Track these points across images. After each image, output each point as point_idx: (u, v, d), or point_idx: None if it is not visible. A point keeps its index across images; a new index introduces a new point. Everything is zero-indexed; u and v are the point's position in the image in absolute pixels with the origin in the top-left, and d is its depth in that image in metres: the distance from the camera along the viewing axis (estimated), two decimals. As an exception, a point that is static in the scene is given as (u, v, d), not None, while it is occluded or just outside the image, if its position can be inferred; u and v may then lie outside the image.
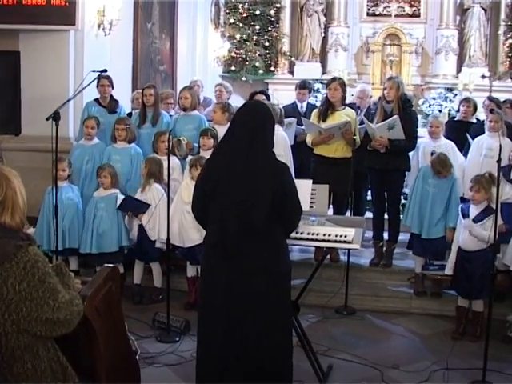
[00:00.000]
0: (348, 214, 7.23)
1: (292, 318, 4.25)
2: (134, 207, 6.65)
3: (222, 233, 3.93)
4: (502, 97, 9.13)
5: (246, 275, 3.88)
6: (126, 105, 8.37)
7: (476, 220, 5.82)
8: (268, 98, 8.42)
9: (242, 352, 3.93)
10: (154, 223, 6.56)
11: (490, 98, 8.12)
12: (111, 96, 7.79)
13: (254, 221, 3.87)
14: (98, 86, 7.57)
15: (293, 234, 4.50)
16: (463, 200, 6.36)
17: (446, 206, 6.55)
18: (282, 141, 7.07)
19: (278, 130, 7.18)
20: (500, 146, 4.95)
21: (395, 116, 6.79)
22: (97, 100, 7.78)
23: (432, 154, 6.82)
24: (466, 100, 8.18)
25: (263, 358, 3.94)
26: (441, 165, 6.52)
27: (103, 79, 7.46)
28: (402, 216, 7.14)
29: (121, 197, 6.68)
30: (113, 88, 7.76)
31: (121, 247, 6.73)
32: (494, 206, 5.32)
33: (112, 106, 7.78)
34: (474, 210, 5.86)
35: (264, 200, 3.88)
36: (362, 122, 7.33)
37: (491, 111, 6.82)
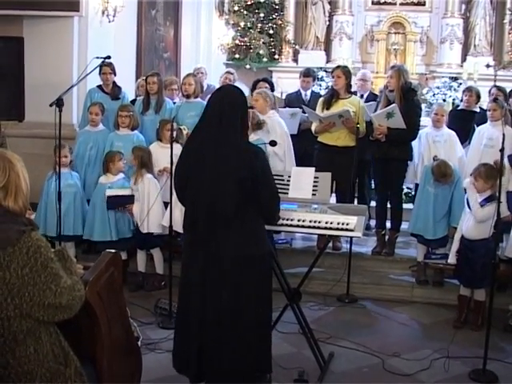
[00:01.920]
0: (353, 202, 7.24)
1: (270, 302, 4.23)
2: (120, 203, 6.66)
3: (192, 218, 4.00)
4: (506, 86, 9.10)
5: (218, 261, 3.90)
6: (129, 91, 8.38)
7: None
8: (271, 85, 8.41)
9: (217, 340, 3.96)
10: (147, 215, 6.56)
11: (498, 88, 8.09)
12: (114, 82, 7.81)
13: (223, 207, 3.88)
14: (100, 74, 7.56)
15: (295, 222, 4.51)
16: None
17: (450, 205, 6.54)
18: (278, 127, 7.06)
19: (274, 116, 7.17)
20: (503, 134, 4.92)
21: (393, 105, 6.78)
22: (100, 87, 7.80)
23: (434, 159, 6.73)
24: (469, 89, 8.14)
25: (238, 346, 3.97)
26: (441, 175, 6.47)
27: (105, 67, 7.45)
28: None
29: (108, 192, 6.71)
30: (115, 75, 7.77)
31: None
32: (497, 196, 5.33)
33: (115, 92, 7.79)
34: (477, 198, 5.84)
35: (232, 186, 3.87)
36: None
37: (494, 100, 6.80)
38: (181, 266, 4.21)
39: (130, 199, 6.61)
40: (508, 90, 8.03)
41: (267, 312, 4.19)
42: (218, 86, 9.18)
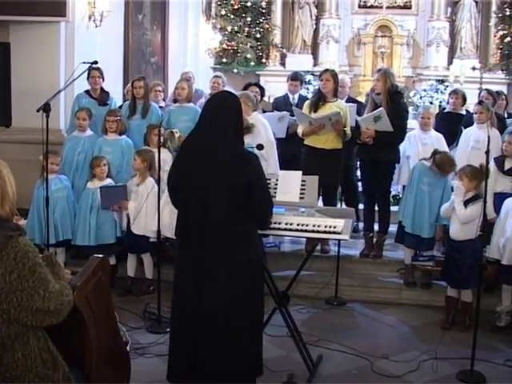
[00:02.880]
0: (339, 205, 7.25)
1: (262, 306, 4.25)
2: (113, 196, 6.65)
3: (185, 222, 4.02)
4: (492, 89, 9.16)
5: (211, 266, 3.92)
6: (117, 97, 8.37)
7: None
8: (262, 89, 8.43)
9: (210, 342, 3.97)
10: (141, 217, 6.56)
11: (488, 91, 8.14)
12: (101, 88, 7.80)
13: (215, 213, 3.89)
14: (88, 78, 7.56)
15: (282, 225, 4.52)
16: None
17: (441, 203, 6.55)
18: (262, 127, 7.04)
19: (257, 117, 7.15)
20: (488, 137, 4.96)
21: (381, 108, 6.81)
22: (87, 92, 7.79)
23: (433, 155, 6.73)
24: (455, 92, 8.19)
25: (230, 348, 3.99)
26: (449, 164, 6.46)
27: (94, 70, 7.46)
28: (398, 210, 7.11)
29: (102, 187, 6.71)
30: (103, 80, 7.76)
31: (117, 238, 6.78)
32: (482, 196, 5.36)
33: (103, 97, 7.79)
34: (461, 201, 5.88)
35: (223, 190, 3.88)
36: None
37: (480, 103, 6.85)
38: (174, 270, 4.21)
39: (123, 191, 6.62)
40: (495, 92, 8.11)
41: (259, 315, 4.21)
42: (206, 91, 9.23)
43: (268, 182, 4.87)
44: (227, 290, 3.94)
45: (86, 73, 6.98)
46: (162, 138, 6.22)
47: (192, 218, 3.97)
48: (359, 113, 7.32)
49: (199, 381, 4.06)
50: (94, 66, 6.66)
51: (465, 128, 7.32)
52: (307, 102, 7.41)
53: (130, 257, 6.80)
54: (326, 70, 7.42)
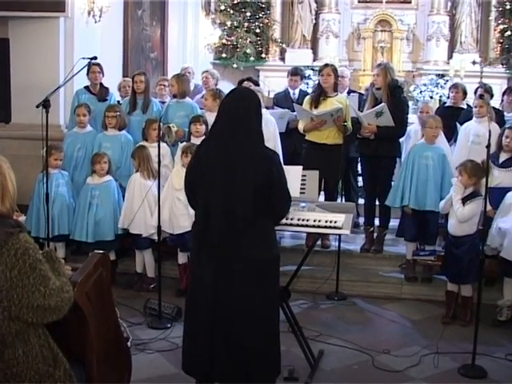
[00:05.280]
0: (339, 200, 7.24)
1: (279, 304, 4.25)
2: None
3: (206, 221, 3.95)
4: (492, 83, 9.17)
5: (232, 264, 3.88)
6: (116, 93, 8.36)
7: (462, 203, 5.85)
8: (256, 85, 8.40)
9: (228, 341, 3.94)
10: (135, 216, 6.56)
11: (484, 86, 8.14)
12: (101, 84, 7.79)
13: (238, 210, 3.86)
14: (88, 73, 7.55)
15: (283, 220, 4.52)
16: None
17: (443, 176, 6.55)
18: (269, 125, 7.08)
19: (266, 114, 7.19)
20: (489, 131, 4.95)
21: (383, 104, 6.80)
22: (87, 87, 7.78)
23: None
24: (455, 86, 8.18)
25: (249, 348, 3.94)
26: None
27: (94, 66, 7.44)
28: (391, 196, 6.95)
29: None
30: (103, 75, 7.75)
31: (116, 235, 6.75)
32: (481, 192, 5.35)
33: (102, 93, 7.78)
34: (459, 199, 5.87)
35: (248, 189, 3.86)
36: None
37: (480, 97, 6.84)
38: (190, 269, 4.18)
39: None
40: (495, 88, 8.11)
41: (275, 314, 4.19)
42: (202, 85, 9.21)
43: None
44: (246, 288, 3.91)
45: (86, 68, 6.95)
46: (161, 133, 6.22)
47: (214, 218, 3.92)
48: (360, 105, 7.31)
49: (217, 381, 4.04)
50: (93, 61, 6.64)
51: (460, 123, 7.30)
52: (307, 98, 7.39)
53: (137, 252, 6.79)
54: (327, 65, 7.41)
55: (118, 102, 7.96)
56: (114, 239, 6.73)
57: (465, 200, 5.81)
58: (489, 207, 6.04)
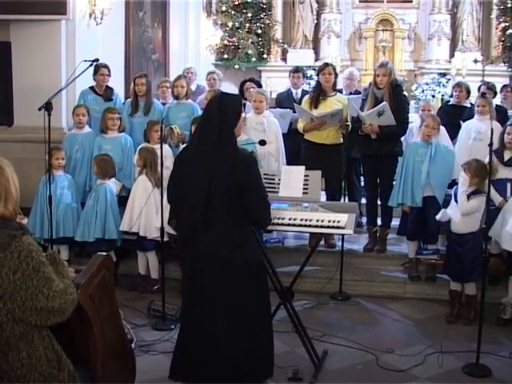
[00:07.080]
0: (342, 200, 7.24)
1: (267, 308, 4.27)
2: None
3: (182, 224, 4.07)
4: (494, 81, 9.15)
5: (205, 264, 3.96)
6: (121, 93, 8.39)
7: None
8: (258, 85, 8.41)
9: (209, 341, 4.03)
10: (136, 217, 6.56)
11: (487, 85, 8.15)
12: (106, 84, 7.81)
13: (211, 214, 3.91)
14: (95, 75, 7.58)
15: (286, 221, 4.52)
16: (454, 184, 6.38)
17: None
18: (273, 127, 7.11)
19: (270, 116, 7.23)
20: (492, 129, 4.95)
21: (384, 103, 6.79)
22: (92, 88, 7.79)
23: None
24: (458, 85, 8.17)
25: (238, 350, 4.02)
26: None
27: (103, 68, 7.52)
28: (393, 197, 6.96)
29: None
30: (110, 77, 7.78)
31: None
32: (485, 191, 5.35)
33: (108, 93, 7.82)
34: (465, 192, 5.88)
35: (221, 193, 3.91)
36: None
37: (482, 95, 6.83)
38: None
39: None
40: (497, 86, 8.11)
41: (264, 317, 4.22)
42: (205, 86, 9.22)
43: (272, 179, 4.89)
44: (223, 289, 3.97)
45: (93, 70, 6.96)
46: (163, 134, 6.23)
47: (189, 217, 3.99)
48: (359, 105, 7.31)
49: (207, 381, 4.06)
50: (102, 63, 6.65)
51: (464, 121, 7.31)
52: (306, 97, 7.38)
53: (139, 254, 6.79)
54: (327, 64, 7.39)
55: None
56: (116, 238, 6.75)
57: (468, 196, 5.81)
58: (500, 198, 6.06)
